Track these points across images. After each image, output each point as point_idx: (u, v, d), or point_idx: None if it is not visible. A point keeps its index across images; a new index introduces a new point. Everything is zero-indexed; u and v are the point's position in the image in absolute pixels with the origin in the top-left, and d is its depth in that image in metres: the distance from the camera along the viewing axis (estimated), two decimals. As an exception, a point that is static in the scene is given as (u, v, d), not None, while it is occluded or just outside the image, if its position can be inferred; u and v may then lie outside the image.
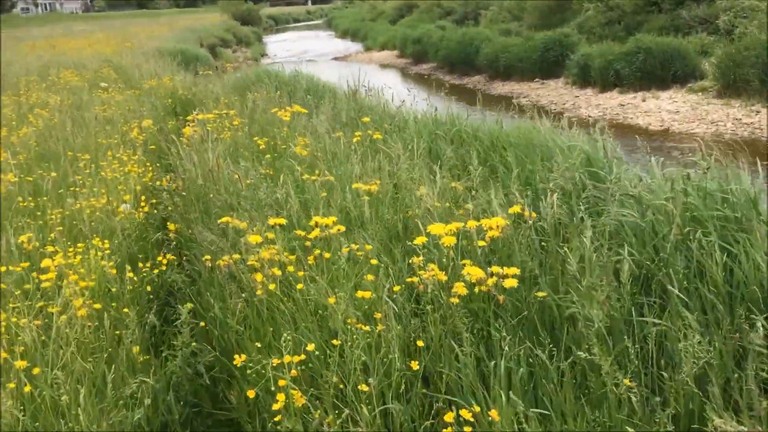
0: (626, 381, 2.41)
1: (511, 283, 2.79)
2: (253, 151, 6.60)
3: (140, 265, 4.53)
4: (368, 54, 34.78)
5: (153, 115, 9.62)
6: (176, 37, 30.26)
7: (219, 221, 4.38)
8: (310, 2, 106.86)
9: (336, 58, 34.83)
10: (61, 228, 4.71)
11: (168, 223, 5.28)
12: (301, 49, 41.18)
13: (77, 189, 5.69)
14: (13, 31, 42.50)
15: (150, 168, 6.77)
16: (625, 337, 2.59)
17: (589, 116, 18.13)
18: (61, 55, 21.95)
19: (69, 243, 4.83)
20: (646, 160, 4.66)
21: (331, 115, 6.93)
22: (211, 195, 4.58)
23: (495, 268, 2.89)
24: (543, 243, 3.35)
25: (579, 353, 2.48)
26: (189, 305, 3.22)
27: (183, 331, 3.18)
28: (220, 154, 5.14)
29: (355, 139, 5.44)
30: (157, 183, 6.27)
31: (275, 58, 37.51)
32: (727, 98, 16.87)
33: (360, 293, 2.87)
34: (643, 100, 18.57)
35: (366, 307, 2.89)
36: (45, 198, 5.68)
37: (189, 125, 7.28)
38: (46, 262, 4.01)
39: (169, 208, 5.34)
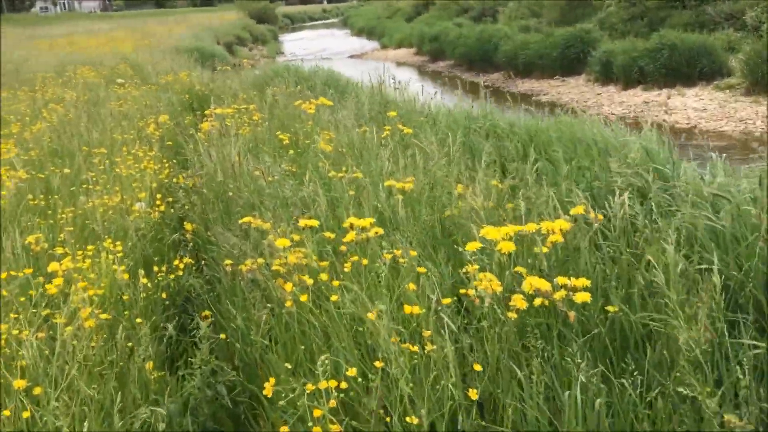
0: (733, 418, 1.99)
1: (583, 297, 2.38)
2: (275, 147, 6.22)
3: (155, 268, 4.15)
4: (384, 52, 34.35)
5: (169, 110, 9.27)
6: (193, 35, 29.99)
7: (240, 221, 4.00)
8: (326, 1, 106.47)
9: (352, 56, 34.45)
10: (71, 228, 4.34)
11: (185, 223, 4.90)
12: (318, 48, 40.85)
13: (90, 186, 5.33)
14: (31, 30, 42.47)
15: (166, 164, 6.40)
16: (724, 363, 2.17)
17: (613, 114, 17.62)
18: (78, 52, 21.72)
19: (79, 245, 4.47)
20: (688, 158, 4.24)
21: (355, 109, 6.53)
22: (231, 193, 4.18)
23: (561, 279, 2.48)
24: (611, 249, 2.93)
25: (680, 388, 2.06)
26: (208, 316, 2.84)
27: (202, 347, 2.80)
28: (240, 149, 4.76)
29: (384, 134, 5.04)
30: (174, 180, 5.90)
31: (291, 56, 37.23)
32: (756, 96, 16.31)
33: (407, 308, 2.46)
34: (668, 98, 18.03)
35: (414, 324, 2.49)
36: (56, 196, 5.33)
37: (207, 120, 6.92)
38: (53, 266, 3.65)
39: (186, 207, 4.96)
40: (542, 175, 4.38)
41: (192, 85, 11.43)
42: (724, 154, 4.03)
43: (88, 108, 9.34)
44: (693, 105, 16.94)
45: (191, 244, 4.61)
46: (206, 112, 6.64)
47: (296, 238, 3.70)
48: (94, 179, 5.43)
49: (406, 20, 38.88)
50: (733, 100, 16.59)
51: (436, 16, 34.69)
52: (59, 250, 4.13)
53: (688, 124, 15.85)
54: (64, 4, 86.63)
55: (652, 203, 3.21)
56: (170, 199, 5.31)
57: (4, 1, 62.25)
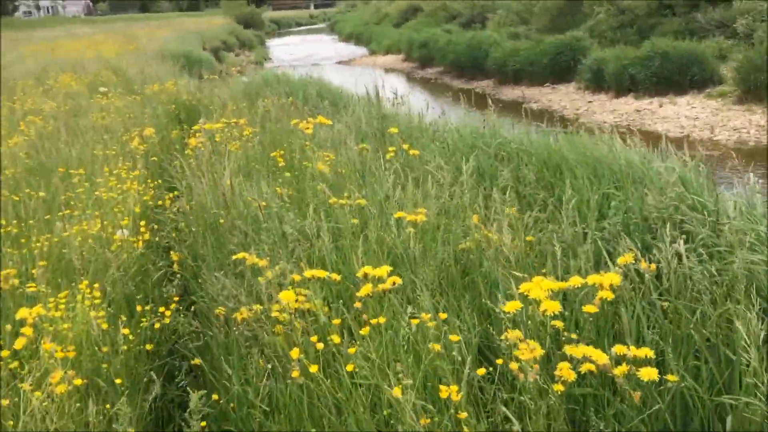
0: None
1: (649, 374, 1.98)
2: (269, 167, 5.80)
3: (138, 308, 3.72)
4: (373, 58, 33.96)
5: (155, 122, 8.80)
6: (179, 40, 29.43)
7: (234, 257, 3.57)
8: (312, 6, 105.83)
9: (340, 62, 34.04)
10: (45, 263, 3.88)
11: (172, 253, 4.45)
12: (305, 53, 40.41)
13: (68, 211, 4.88)
14: (14, 34, 41.74)
15: (151, 185, 5.94)
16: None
17: (605, 122, 17.33)
18: (61, 57, 21.15)
19: (55, 281, 4.02)
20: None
21: (351, 124, 6.11)
22: (225, 224, 3.73)
23: (620, 348, 2.08)
24: (665, 304, 2.54)
25: None
26: (199, 392, 2.41)
27: (193, 422, 2.37)
28: (232, 172, 4.33)
29: (388, 155, 4.62)
30: (159, 202, 5.45)
31: (279, 62, 36.76)
32: (749, 104, 16.09)
33: (443, 391, 2.05)
34: (660, 106, 17.80)
35: (451, 411, 2.07)
36: (31, 221, 4.87)
37: (194, 136, 6.47)
38: (23, 312, 3.20)
39: (173, 235, 4.50)
40: (560, 203, 3.99)
41: (179, 94, 10.94)
42: (760, 180, 3.66)
43: (69, 120, 8.86)
44: (685, 113, 16.69)
45: (179, 276, 4.17)
46: (195, 127, 6.20)
47: (296, 278, 3.29)
48: (73, 202, 4.97)
49: (394, 26, 38.50)
50: (726, 109, 16.35)
51: (425, 23, 34.34)
52: (31, 288, 3.68)
53: (681, 133, 15.58)
54: (48, 8, 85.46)
55: (699, 246, 2.83)
56: (155, 227, 4.85)
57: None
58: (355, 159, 4.67)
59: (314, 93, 8.92)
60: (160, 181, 6.30)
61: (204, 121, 6.42)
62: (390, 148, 4.70)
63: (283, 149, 5.94)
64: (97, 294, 3.43)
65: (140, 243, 4.42)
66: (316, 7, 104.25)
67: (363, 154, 5.11)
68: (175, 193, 5.69)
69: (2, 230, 4.70)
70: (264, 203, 3.69)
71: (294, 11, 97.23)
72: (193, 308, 3.85)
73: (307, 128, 4.53)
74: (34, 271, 3.79)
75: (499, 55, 23.44)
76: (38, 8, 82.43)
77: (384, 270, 2.57)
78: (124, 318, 3.58)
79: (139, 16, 77.45)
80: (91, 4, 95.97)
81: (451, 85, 25.39)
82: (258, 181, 4.84)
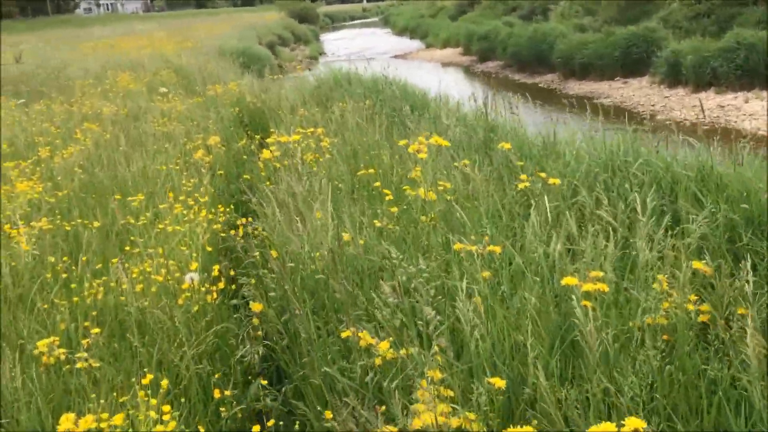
0: None
1: None
2: (354, 187, 4.85)
3: (216, 393, 2.80)
4: (430, 51, 32.77)
5: (219, 128, 7.94)
6: (236, 36, 28.77)
7: (343, 335, 2.63)
8: (365, 0, 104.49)
9: (396, 56, 32.98)
10: (98, 330, 2.99)
11: (252, 303, 3.51)
12: (360, 47, 39.50)
13: (128, 248, 4.00)
14: (75, 31, 41.91)
15: (221, 210, 5.02)
16: None
17: (685, 119, 15.96)
18: (120, 55, 20.63)
19: (110, 346, 3.13)
20: None
21: (454, 137, 5.09)
22: (337, 293, 2.72)
23: None
24: None
25: None
26: None
27: None
28: (337, 223, 3.36)
29: (520, 185, 3.59)
30: (232, 232, 4.53)
31: (334, 57, 35.96)
32: None
33: None
34: (746, 101, 16.30)
35: None
36: (84, 258, 4.01)
37: (267, 148, 5.55)
38: (65, 423, 2.31)
39: (254, 285, 3.54)
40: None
41: (242, 95, 10.07)
42: None
43: (128, 125, 8.06)
44: (776, 109, 15.20)
45: (262, 342, 3.23)
46: (269, 140, 5.26)
47: (437, 376, 2.34)
48: (132, 237, 4.09)
49: (451, 18, 37.17)
50: (821, 104, 14.84)
51: (483, 15, 33.01)
52: (80, 365, 2.80)
53: (774, 131, 14.14)
54: (107, 5, 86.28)
55: None
56: (232, 273, 3.92)
57: (49, 3, 61.95)
58: (479, 188, 3.65)
59: (391, 94, 7.90)
60: (231, 206, 5.39)
61: (277, 133, 5.50)
62: (522, 176, 3.66)
63: (372, 166, 4.98)
64: (164, 385, 2.52)
65: (214, 295, 3.50)
66: (368, 0, 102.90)
67: (475, 175, 4.08)
68: (249, 219, 4.78)
69: (51, 271, 3.85)
70: (389, 259, 2.74)
71: (347, 5, 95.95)
72: (284, 389, 2.91)
73: (421, 152, 3.53)
74: (85, 342, 2.91)
75: (566, 47, 22.10)
76: (98, 5, 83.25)
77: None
78: (198, 409, 2.66)
79: (195, 12, 77.60)
80: (149, 1, 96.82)
81: (513, 79, 24.13)
82: (352, 212, 3.88)
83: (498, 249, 3.10)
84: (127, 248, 4.01)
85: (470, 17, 33.84)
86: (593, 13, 25.39)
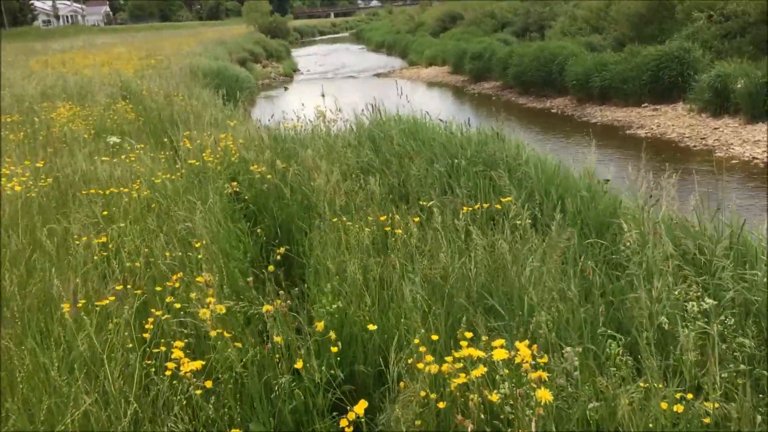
0: None
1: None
2: None
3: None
4: (414, 70, 29.21)
5: (211, 235, 4.17)
6: (205, 52, 24.73)
7: None
8: (333, 15, 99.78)
9: (378, 75, 29.38)
10: None
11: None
12: (336, 64, 35.75)
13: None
14: (31, 44, 37.35)
15: None
16: None
17: (754, 157, 12.74)
18: (71, 74, 16.54)
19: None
20: None
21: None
22: None
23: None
24: None
25: None
26: None
27: None
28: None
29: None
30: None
31: (309, 74, 32.17)
32: None
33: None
34: (819, 135, 13.14)
35: None
36: None
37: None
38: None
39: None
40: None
41: (243, 160, 6.08)
42: None
43: (46, 213, 4.29)
44: None
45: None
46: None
47: None
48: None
49: (432, 35, 33.72)
50: None
51: (469, 32, 29.63)
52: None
53: None
54: (67, 17, 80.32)
55: None
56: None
57: (5, 16, 56.31)
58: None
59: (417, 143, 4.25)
60: None
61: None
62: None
63: None
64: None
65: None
66: (336, 15, 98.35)
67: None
68: None
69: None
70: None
71: (315, 20, 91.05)
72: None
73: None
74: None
75: (580, 69, 18.82)
76: (57, 17, 77.18)
77: None
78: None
79: (159, 25, 72.58)
80: (111, 13, 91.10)
81: (518, 103, 20.72)
82: None
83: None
84: None
85: (454, 34, 30.40)
86: (600, 30, 22.17)
